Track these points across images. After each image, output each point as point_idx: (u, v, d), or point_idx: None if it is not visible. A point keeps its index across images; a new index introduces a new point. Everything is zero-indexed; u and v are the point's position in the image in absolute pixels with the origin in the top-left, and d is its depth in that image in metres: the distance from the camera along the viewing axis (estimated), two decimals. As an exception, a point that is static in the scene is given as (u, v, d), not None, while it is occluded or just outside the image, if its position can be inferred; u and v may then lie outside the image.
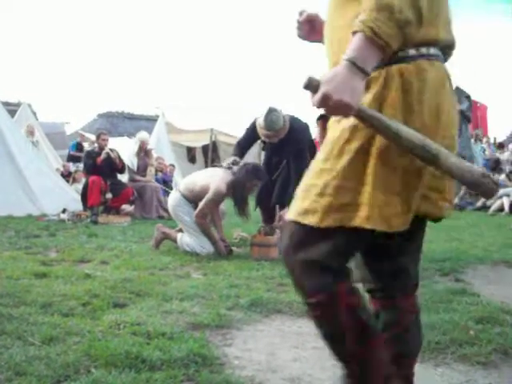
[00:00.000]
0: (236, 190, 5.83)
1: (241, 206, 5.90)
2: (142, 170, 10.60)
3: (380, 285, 1.98)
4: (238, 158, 6.17)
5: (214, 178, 5.91)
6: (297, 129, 6.12)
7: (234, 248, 6.26)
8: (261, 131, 6.04)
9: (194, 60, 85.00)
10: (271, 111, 5.89)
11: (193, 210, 6.00)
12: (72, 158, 16.33)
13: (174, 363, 2.65)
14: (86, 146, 16.17)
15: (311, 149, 6.55)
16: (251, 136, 6.33)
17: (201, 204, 5.87)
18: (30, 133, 13.53)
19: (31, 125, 14.42)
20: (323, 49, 1.95)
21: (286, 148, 6.12)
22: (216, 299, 3.92)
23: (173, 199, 6.17)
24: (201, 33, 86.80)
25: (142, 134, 11.09)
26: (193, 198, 6.02)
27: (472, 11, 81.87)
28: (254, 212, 6.54)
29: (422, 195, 1.72)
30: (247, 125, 6.43)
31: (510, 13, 32.46)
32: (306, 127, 6.40)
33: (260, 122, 5.99)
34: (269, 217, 6.55)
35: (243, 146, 6.45)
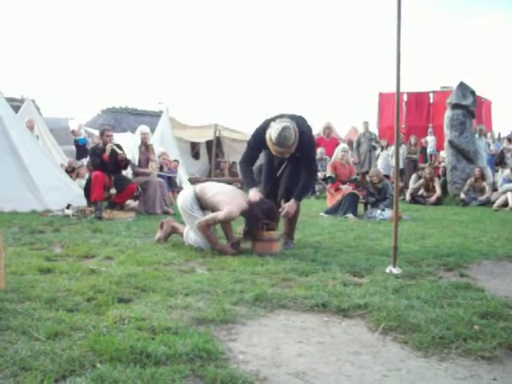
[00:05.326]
0: (249, 221, 5.86)
1: (251, 232, 5.93)
2: (144, 164, 10.61)
3: None
4: (258, 195, 5.99)
5: (231, 200, 5.84)
6: (303, 132, 5.95)
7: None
8: (272, 147, 5.84)
9: (198, 55, 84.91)
10: (285, 129, 5.69)
11: (201, 210, 5.99)
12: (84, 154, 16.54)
13: (179, 358, 2.66)
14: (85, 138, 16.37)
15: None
16: (259, 146, 6.15)
17: (209, 216, 5.88)
18: (30, 128, 13.53)
19: (31, 119, 14.43)
20: None
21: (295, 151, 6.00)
22: (221, 294, 3.93)
23: (185, 195, 6.13)
24: (205, 28, 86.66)
25: (143, 128, 11.09)
26: (202, 202, 6.01)
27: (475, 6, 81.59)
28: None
29: None
30: (250, 122, 6.29)
31: None
32: (305, 124, 6.22)
33: (272, 138, 5.76)
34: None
35: (251, 161, 6.30)
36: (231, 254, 5.72)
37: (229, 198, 5.87)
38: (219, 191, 6.02)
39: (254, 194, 5.96)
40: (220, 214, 5.75)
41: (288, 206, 6.07)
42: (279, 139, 5.70)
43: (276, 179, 6.36)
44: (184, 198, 6.10)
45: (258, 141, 6.11)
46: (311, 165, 6.24)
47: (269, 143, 5.86)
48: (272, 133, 5.75)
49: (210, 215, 5.87)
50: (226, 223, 6.05)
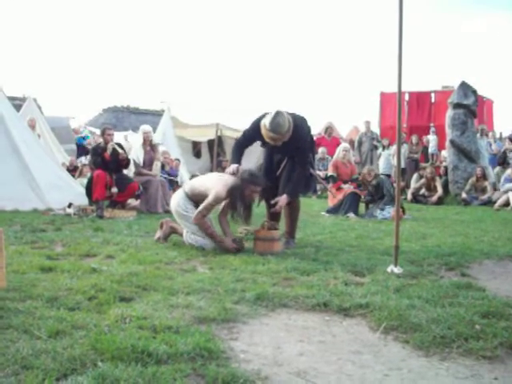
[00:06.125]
0: (234, 197, 5.83)
1: (240, 213, 5.91)
2: (147, 164, 10.58)
3: None
4: (236, 166, 6.10)
5: (217, 183, 5.92)
6: (298, 126, 6.06)
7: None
8: (266, 133, 5.94)
9: (199, 55, 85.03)
10: (278, 114, 5.82)
11: (195, 209, 6.00)
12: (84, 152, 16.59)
13: (180, 357, 2.66)
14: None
15: (311, 146, 6.56)
16: (253, 137, 6.27)
17: (200, 207, 5.88)
18: (32, 127, 13.50)
19: (33, 118, 14.41)
20: None
21: (288, 146, 6.07)
22: (222, 293, 3.93)
23: (176, 198, 6.18)
24: (207, 28, 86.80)
25: (145, 127, 11.06)
26: (194, 198, 6.03)
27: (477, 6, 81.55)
28: (260, 207, 6.53)
29: None
30: (251, 121, 6.34)
31: None
32: (304, 121, 6.33)
33: (266, 124, 5.88)
34: (275, 215, 6.53)
35: (242, 147, 6.38)
36: (231, 248, 5.77)
37: (213, 183, 5.93)
38: (204, 181, 6.13)
39: (232, 167, 6.08)
40: (209, 199, 5.80)
41: (280, 200, 6.13)
42: (272, 124, 5.82)
43: (275, 179, 6.38)
44: (176, 201, 6.15)
45: (252, 131, 6.25)
46: (304, 161, 6.25)
47: (263, 130, 5.98)
48: (266, 119, 5.90)
49: (201, 206, 5.90)
50: (223, 217, 6.12)
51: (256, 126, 6.13)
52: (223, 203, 6.07)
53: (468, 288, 4.27)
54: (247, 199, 5.88)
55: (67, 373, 2.47)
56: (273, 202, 6.16)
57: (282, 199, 6.12)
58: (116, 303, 3.60)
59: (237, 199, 5.81)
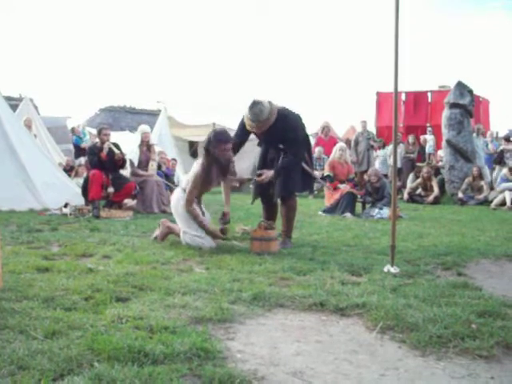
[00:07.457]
0: (210, 162, 5.95)
1: (223, 173, 6.07)
2: (144, 164, 10.57)
3: None
4: None
5: (195, 166, 6.11)
6: (288, 116, 6.14)
7: (236, 242, 6.27)
8: (247, 122, 6.16)
9: (196, 55, 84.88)
10: (255, 104, 5.96)
11: (196, 204, 6.06)
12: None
13: (176, 357, 2.66)
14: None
15: (306, 143, 6.58)
16: (242, 130, 6.37)
17: (186, 193, 6.00)
18: (28, 127, 13.46)
19: (29, 118, 14.37)
20: None
21: (278, 135, 6.13)
22: (218, 293, 3.93)
23: (176, 197, 6.22)
24: (203, 27, 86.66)
25: (144, 127, 11.04)
26: None
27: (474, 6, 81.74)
28: (257, 207, 6.54)
29: None
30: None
31: None
32: (298, 117, 6.38)
33: (246, 113, 6.10)
34: (271, 214, 6.56)
35: (236, 144, 6.40)
36: (218, 236, 6.03)
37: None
38: (191, 172, 6.21)
39: None
40: (189, 182, 5.99)
41: (264, 172, 6.22)
42: (250, 114, 6.03)
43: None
44: (176, 200, 6.20)
45: (241, 125, 6.38)
46: (296, 152, 6.27)
47: (245, 120, 6.21)
48: (246, 110, 6.10)
49: (186, 192, 6.02)
50: (226, 188, 6.36)
51: (241, 123, 6.34)
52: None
53: (464, 287, 4.28)
54: (221, 158, 5.96)
55: (63, 373, 2.46)
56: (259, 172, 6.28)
57: (268, 172, 6.19)
58: (112, 303, 3.60)
59: (212, 163, 5.95)
